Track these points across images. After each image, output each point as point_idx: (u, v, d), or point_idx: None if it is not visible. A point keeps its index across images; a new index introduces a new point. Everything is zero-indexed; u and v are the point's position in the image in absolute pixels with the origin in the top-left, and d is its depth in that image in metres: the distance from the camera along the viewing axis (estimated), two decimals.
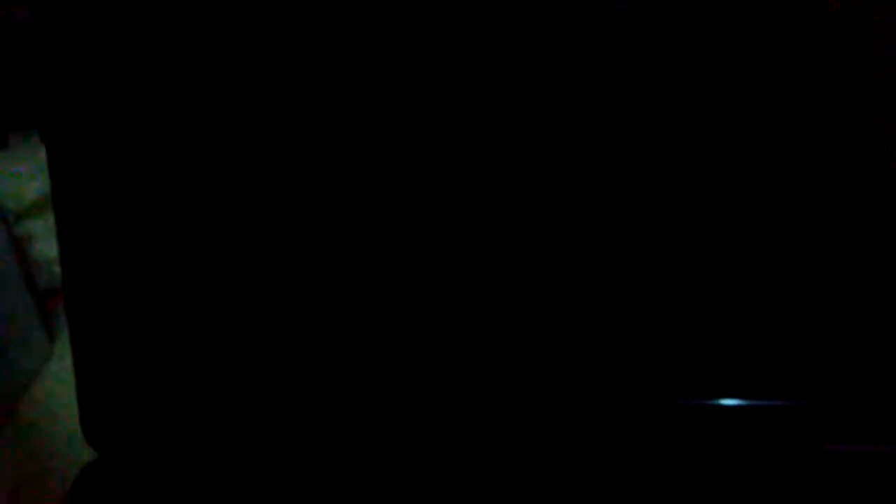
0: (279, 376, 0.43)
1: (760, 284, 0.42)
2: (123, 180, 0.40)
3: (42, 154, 0.63)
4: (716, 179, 0.40)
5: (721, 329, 0.43)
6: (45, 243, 0.61)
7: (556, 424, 0.44)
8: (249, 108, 0.39)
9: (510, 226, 0.40)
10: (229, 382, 0.44)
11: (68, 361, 0.57)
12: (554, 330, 0.43)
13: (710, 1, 0.37)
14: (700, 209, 0.40)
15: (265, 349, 0.43)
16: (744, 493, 0.44)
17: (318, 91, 0.39)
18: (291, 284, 0.41)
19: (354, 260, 0.41)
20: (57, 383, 0.57)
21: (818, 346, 0.43)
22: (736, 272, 0.41)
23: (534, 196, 0.40)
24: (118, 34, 0.38)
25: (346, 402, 0.44)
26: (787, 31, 0.37)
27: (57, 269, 0.61)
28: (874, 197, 0.40)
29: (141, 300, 0.42)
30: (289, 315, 0.42)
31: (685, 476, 0.44)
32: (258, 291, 0.41)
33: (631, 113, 0.39)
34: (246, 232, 0.40)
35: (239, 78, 0.38)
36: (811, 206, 0.40)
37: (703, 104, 0.39)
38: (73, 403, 0.44)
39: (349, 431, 0.44)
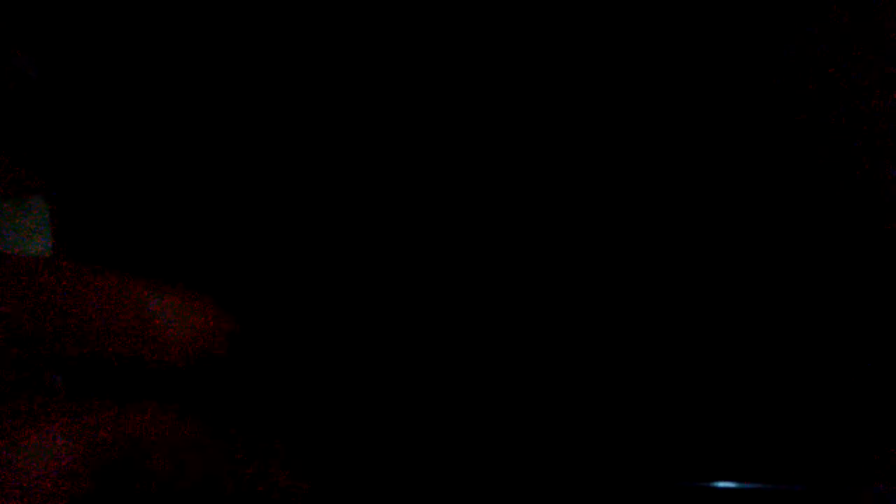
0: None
1: (752, 366, 0.42)
2: (129, 240, 0.40)
3: (44, 209, 0.63)
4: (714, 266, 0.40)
5: (715, 410, 0.42)
6: None
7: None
8: (246, 172, 0.39)
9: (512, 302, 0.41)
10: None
11: None
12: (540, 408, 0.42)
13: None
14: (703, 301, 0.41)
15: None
16: None
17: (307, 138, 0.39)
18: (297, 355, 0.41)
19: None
20: None
21: (812, 431, 0.42)
22: (729, 354, 0.41)
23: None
24: (127, 93, 0.38)
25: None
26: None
27: None
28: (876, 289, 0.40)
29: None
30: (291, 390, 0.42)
31: None
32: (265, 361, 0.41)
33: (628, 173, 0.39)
34: (249, 301, 0.40)
35: (242, 144, 0.38)
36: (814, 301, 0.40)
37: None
38: None
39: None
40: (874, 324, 0.41)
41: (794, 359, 0.41)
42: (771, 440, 0.42)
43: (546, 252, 0.40)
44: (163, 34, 0.38)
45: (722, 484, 0.43)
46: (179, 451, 0.30)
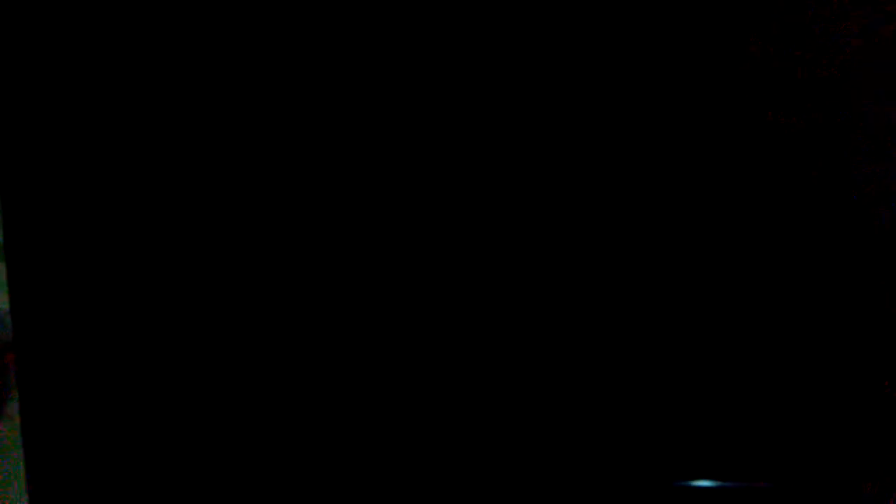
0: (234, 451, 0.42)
1: (730, 374, 0.41)
2: (78, 234, 0.39)
3: None
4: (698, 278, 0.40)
5: (697, 412, 0.42)
6: (1, 293, 0.58)
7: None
8: (194, 173, 0.38)
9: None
10: (188, 449, 0.42)
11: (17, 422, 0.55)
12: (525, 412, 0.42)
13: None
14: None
15: (219, 420, 0.41)
16: None
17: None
18: (245, 358, 0.41)
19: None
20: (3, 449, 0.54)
21: (788, 430, 0.42)
22: (710, 361, 0.41)
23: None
24: (70, 87, 0.37)
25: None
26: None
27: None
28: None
29: (95, 362, 0.40)
30: (240, 391, 0.41)
31: None
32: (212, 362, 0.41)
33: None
34: (199, 303, 0.39)
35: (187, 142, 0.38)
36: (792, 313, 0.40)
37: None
38: (20, 470, 0.42)
39: None
40: (856, 322, 0.40)
41: (781, 359, 0.41)
42: (745, 440, 0.41)
43: (518, 251, 0.40)
44: None
45: (700, 483, 0.42)
46: None
